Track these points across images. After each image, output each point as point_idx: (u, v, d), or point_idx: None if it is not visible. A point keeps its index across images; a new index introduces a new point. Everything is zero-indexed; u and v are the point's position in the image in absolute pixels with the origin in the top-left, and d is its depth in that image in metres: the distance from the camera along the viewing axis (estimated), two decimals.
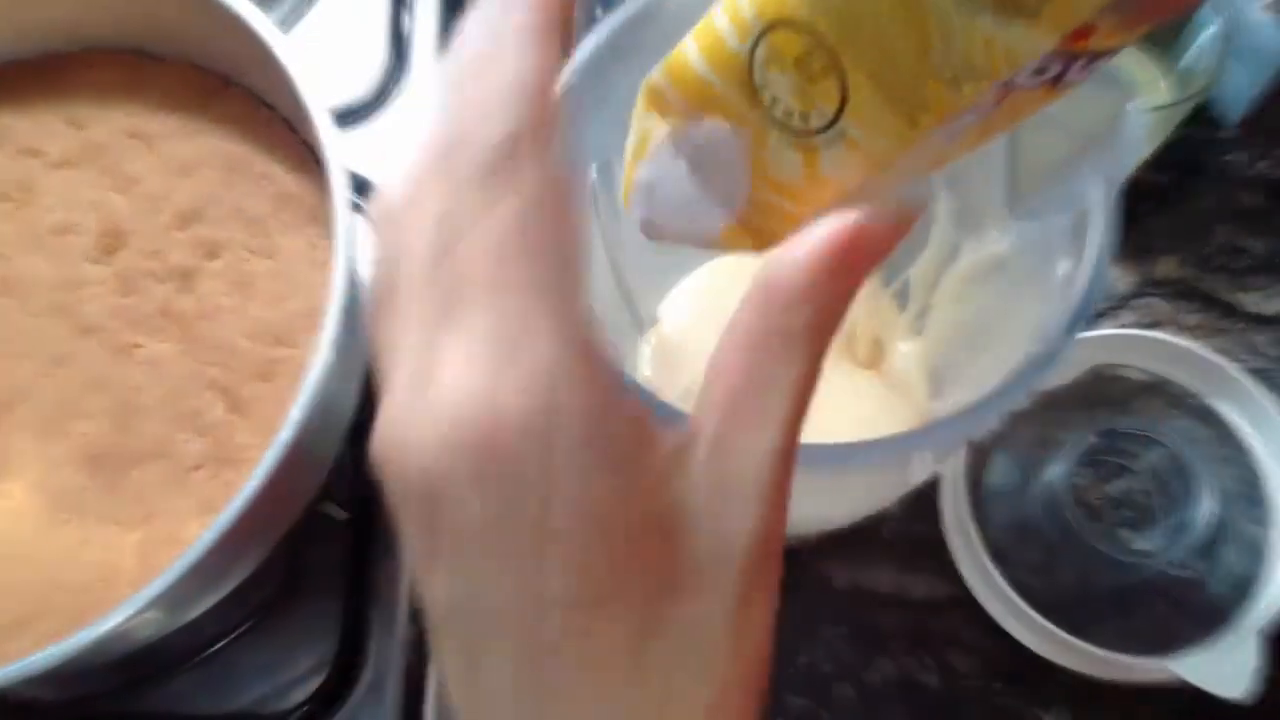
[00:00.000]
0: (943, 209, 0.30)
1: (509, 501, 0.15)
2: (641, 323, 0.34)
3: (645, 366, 0.34)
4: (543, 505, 0.15)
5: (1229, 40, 0.36)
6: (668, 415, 0.19)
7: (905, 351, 0.34)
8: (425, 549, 0.16)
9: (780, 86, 0.17)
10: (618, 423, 0.16)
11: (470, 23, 0.17)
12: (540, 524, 0.15)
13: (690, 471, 0.17)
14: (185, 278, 0.38)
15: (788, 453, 0.17)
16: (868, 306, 0.34)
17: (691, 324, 0.34)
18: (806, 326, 0.17)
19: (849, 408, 0.33)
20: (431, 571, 0.16)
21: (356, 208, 0.41)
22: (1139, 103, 0.21)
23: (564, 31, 0.17)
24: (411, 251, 0.16)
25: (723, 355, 0.17)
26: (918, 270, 0.33)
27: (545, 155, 0.16)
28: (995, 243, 0.28)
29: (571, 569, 0.15)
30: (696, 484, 0.17)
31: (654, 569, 0.16)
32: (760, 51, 0.17)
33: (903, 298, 0.35)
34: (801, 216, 0.18)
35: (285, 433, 0.31)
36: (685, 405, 0.32)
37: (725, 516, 0.17)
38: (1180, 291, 0.43)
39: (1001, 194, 0.26)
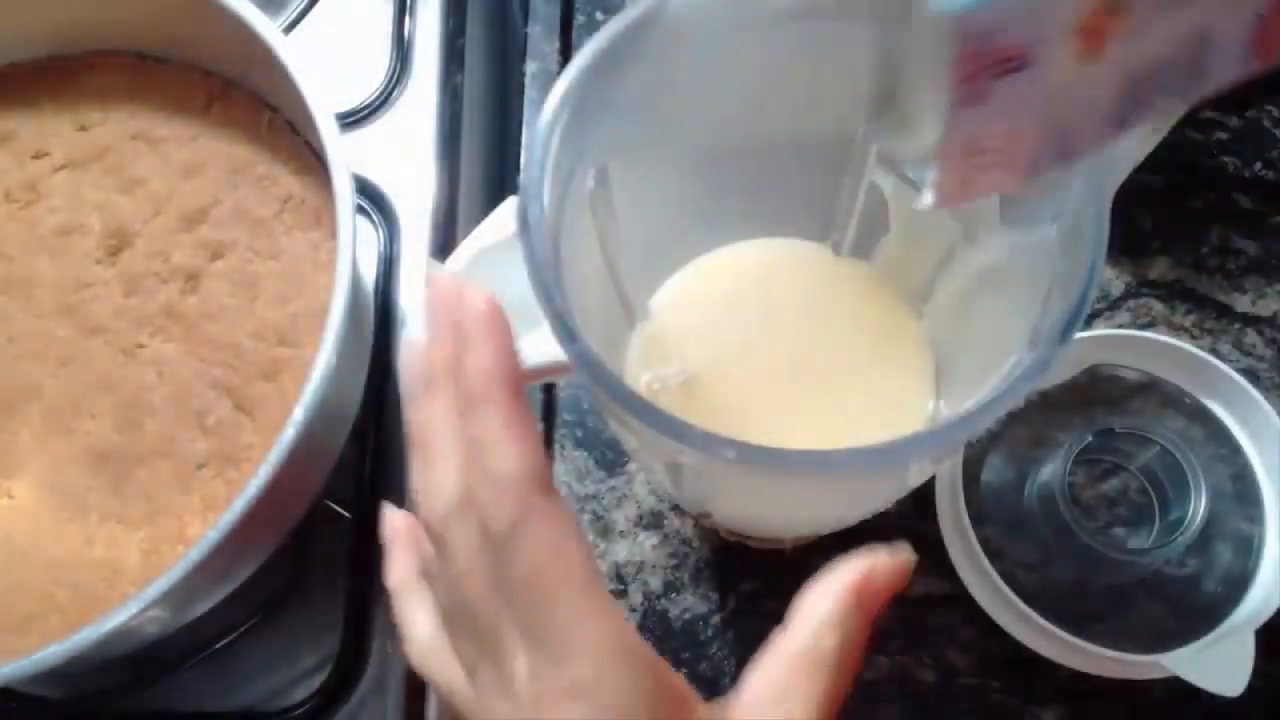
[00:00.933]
0: (940, 216, 0.31)
1: None
2: (634, 318, 0.35)
3: (634, 357, 0.34)
4: None
5: None
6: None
7: (903, 355, 0.34)
8: None
9: None
10: (665, 704, 0.20)
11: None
12: None
13: None
14: (190, 278, 0.38)
15: None
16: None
17: (675, 318, 0.35)
18: (834, 649, 0.21)
19: (846, 411, 0.33)
20: None
21: (360, 209, 0.42)
22: None
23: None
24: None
25: (759, 667, 0.22)
26: (915, 277, 0.34)
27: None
28: (990, 249, 0.29)
29: None
30: None
31: None
32: None
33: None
34: None
35: (289, 432, 0.31)
36: (666, 390, 0.33)
37: None
38: (1174, 292, 0.43)
39: (994, 202, 0.26)
